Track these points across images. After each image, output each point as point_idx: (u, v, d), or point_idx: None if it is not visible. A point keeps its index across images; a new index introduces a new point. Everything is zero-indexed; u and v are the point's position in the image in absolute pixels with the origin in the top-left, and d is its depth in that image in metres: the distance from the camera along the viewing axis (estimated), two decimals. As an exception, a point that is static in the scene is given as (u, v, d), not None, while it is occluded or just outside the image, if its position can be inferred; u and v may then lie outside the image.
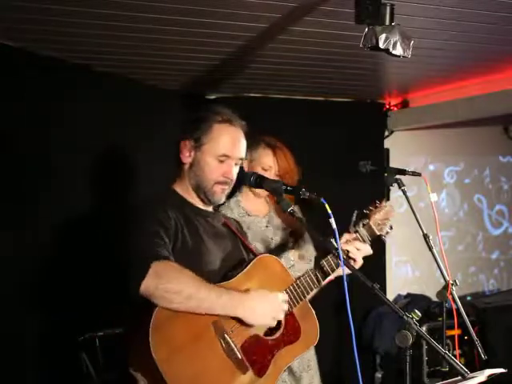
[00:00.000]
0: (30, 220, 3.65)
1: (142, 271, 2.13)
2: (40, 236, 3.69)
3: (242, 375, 2.28)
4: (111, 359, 3.64)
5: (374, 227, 2.66)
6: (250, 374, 2.30)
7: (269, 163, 3.32)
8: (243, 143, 2.50)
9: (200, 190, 2.45)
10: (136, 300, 2.16)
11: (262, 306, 2.29)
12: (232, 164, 2.46)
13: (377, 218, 2.68)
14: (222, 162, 2.43)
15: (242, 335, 2.30)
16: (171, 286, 2.14)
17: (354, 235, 2.62)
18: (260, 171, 3.25)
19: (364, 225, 2.65)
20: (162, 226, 2.27)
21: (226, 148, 2.43)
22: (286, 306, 2.37)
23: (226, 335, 2.24)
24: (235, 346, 2.26)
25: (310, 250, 3.48)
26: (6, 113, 3.53)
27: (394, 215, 2.76)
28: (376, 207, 2.71)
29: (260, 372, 2.33)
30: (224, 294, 2.23)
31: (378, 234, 2.68)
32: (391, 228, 2.74)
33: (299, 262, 3.21)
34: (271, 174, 3.30)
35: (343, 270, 2.23)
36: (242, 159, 2.50)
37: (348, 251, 2.57)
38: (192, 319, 2.18)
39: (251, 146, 3.36)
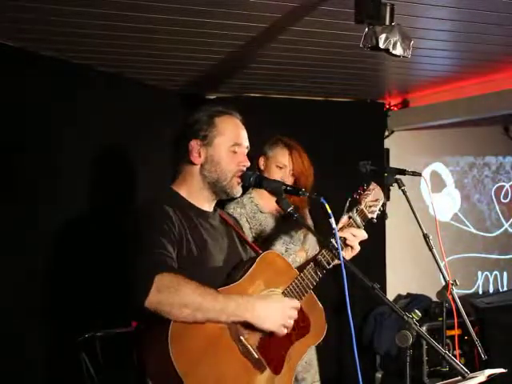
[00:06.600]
0: (30, 220, 3.65)
1: (145, 286, 2.11)
2: (40, 236, 3.69)
3: (260, 375, 2.30)
4: (111, 359, 3.64)
5: (365, 211, 2.67)
6: (267, 372, 2.32)
7: (284, 162, 3.47)
8: (245, 131, 2.52)
9: (218, 186, 2.44)
10: (143, 313, 2.15)
11: (270, 313, 2.28)
12: (244, 151, 2.48)
13: (367, 200, 2.69)
14: (234, 152, 2.44)
15: (257, 334, 2.30)
16: (174, 300, 2.12)
17: (349, 221, 2.63)
18: (275, 169, 3.46)
19: (357, 210, 2.65)
20: (165, 234, 2.25)
21: (235, 137, 2.46)
22: (295, 313, 2.36)
23: (241, 337, 2.25)
24: (251, 347, 2.27)
25: (311, 248, 3.50)
26: (6, 113, 3.53)
27: (383, 197, 2.78)
28: (364, 190, 2.72)
29: (276, 369, 2.35)
30: (231, 302, 2.21)
31: (370, 217, 2.68)
32: (380, 210, 2.75)
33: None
34: (285, 173, 3.44)
35: (343, 272, 2.23)
36: (248, 147, 2.51)
37: (345, 239, 2.56)
38: (207, 326, 2.18)
39: (269, 144, 3.47)
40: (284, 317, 2.31)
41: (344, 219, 2.63)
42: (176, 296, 2.13)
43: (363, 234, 2.62)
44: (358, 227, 2.63)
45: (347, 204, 2.70)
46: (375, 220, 2.71)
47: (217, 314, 2.18)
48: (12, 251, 3.53)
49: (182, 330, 2.13)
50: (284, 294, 2.42)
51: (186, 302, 2.13)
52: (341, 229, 2.58)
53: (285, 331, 2.33)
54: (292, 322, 2.35)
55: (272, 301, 2.32)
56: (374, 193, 2.74)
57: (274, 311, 2.29)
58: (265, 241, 3.33)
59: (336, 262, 2.47)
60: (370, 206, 2.70)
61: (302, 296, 2.45)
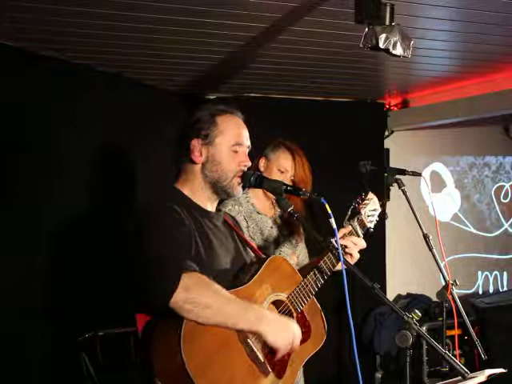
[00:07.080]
0: (30, 220, 3.65)
1: (172, 283, 2.10)
2: (41, 236, 3.69)
3: (264, 378, 2.29)
4: (111, 359, 3.65)
5: (364, 220, 2.69)
6: (271, 376, 2.31)
7: (286, 166, 3.42)
8: (247, 130, 2.51)
9: (219, 186, 2.44)
10: (161, 310, 2.14)
11: (283, 332, 2.26)
12: (245, 151, 2.47)
13: (366, 210, 2.71)
14: (236, 152, 2.43)
15: (262, 338, 2.28)
16: (200, 300, 2.12)
17: (350, 230, 2.64)
18: (276, 172, 3.40)
19: (358, 219, 2.67)
20: (182, 234, 2.25)
21: (236, 136, 2.45)
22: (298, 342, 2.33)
23: (248, 340, 2.24)
24: (257, 350, 2.26)
25: (302, 254, 3.50)
26: (6, 113, 3.53)
27: (379, 207, 2.81)
28: (363, 199, 2.73)
29: (280, 373, 2.34)
30: (249, 310, 2.21)
31: (368, 226, 2.70)
32: (377, 221, 2.76)
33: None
34: (286, 177, 3.39)
35: (343, 271, 2.23)
36: (249, 147, 2.50)
37: (345, 246, 2.58)
38: (218, 328, 2.17)
39: (271, 146, 3.45)
40: (290, 342, 2.29)
41: (347, 228, 2.65)
42: (202, 297, 2.12)
43: (363, 243, 2.65)
44: (358, 236, 2.65)
45: (349, 212, 2.72)
46: (372, 229, 2.74)
47: (237, 320, 2.17)
48: (12, 251, 3.53)
49: (194, 331, 2.12)
50: (288, 298, 2.43)
51: (210, 304, 2.13)
52: (342, 237, 2.60)
53: (285, 352, 2.31)
54: (293, 349, 2.33)
55: (286, 327, 2.29)
56: (373, 202, 2.75)
57: (285, 336, 2.27)
58: (261, 242, 3.33)
59: (337, 267, 2.48)
60: (369, 216, 2.72)
61: (306, 301, 2.46)
